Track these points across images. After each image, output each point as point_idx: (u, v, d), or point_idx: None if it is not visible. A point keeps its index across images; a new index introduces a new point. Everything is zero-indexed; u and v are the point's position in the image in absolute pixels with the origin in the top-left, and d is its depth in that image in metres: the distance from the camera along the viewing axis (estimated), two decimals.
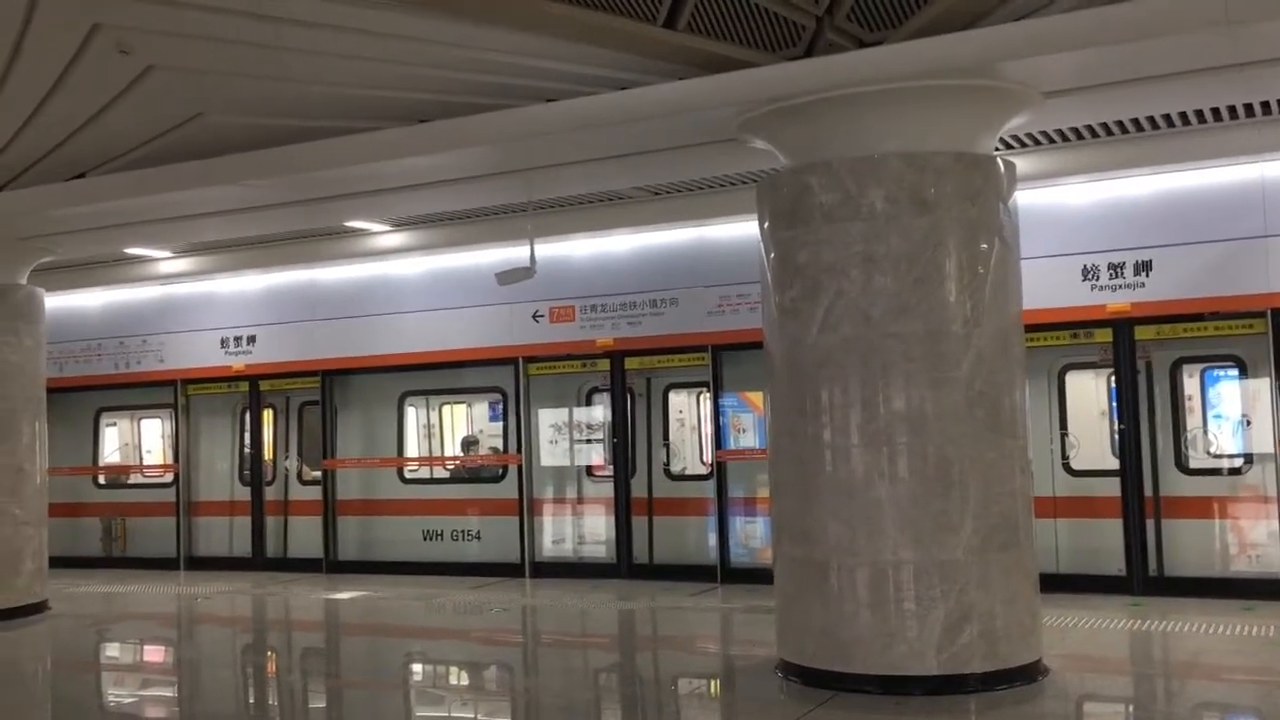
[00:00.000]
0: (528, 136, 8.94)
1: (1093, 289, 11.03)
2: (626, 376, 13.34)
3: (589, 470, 13.96)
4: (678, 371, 13.25)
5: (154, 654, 11.34)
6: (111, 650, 11.49)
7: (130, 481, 17.12)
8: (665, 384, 13.51)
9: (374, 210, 12.11)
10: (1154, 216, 10.86)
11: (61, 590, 13.37)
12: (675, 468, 13.51)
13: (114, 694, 9.67)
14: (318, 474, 15.37)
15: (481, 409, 15.35)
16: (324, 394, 15.03)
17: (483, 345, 13.86)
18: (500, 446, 14.46)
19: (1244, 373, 10.90)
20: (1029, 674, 7.67)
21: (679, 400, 13.68)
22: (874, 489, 7.57)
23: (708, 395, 13.07)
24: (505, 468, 14.14)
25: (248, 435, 16.02)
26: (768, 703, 7.79)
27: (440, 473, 15.14)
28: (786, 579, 8.07)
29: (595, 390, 13.89)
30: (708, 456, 13.25)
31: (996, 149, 8.43)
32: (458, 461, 14.89)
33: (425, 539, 14.52)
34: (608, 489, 13.61)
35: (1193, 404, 11.26)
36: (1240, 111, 9.50)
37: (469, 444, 15.25)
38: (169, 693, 9.63)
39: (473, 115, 8.90)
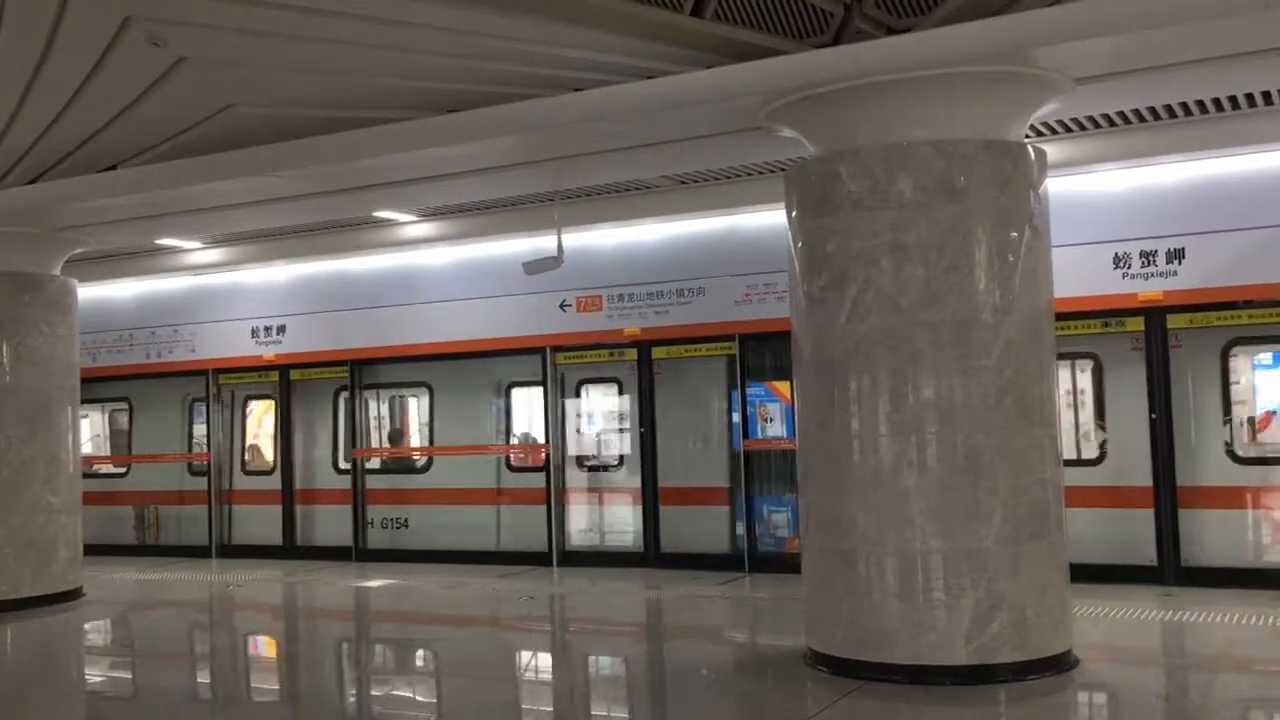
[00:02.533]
0: (555, 126, 8.94)
1: (1124, 277, 10.94)
2: (654, 366, 13.33)
3: (508, 462, 14.33)
4: (591, 367, 13.63)
5: (187, 640, 11.41)
6: (145, 636, 11.58)
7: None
8: (579, 378, 13.94)
9: (402, 200, 12.14)
10: (1187, 204, 10.75)
11: (96, 577, 13.48)
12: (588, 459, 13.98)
13: (147, 679, 9.75)
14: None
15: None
16: (352, 383, 15.14)
17: (510, 335, 13.89)
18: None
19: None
20: (1059, 664, 7.63)
21: (598, 394, 13.91)
22: (902, 478, 7.55)
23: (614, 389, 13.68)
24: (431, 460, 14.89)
25: (196, 428, 16.58)
26: (796, 692, 7.79)
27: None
28: (814, 568, 8.07)
29: (584, 381, 14.06)
30: (625, 448, 13.59)
31: (1027, 136, 8.38)
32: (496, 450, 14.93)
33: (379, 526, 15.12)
34: (528, 480, 14.10)
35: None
36: (1275, 97, 9.41)
37: (396, 436, 15.53)
38: (203, 677, 9.71)
39: (500, 105, 8.90)
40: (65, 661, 10.59)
